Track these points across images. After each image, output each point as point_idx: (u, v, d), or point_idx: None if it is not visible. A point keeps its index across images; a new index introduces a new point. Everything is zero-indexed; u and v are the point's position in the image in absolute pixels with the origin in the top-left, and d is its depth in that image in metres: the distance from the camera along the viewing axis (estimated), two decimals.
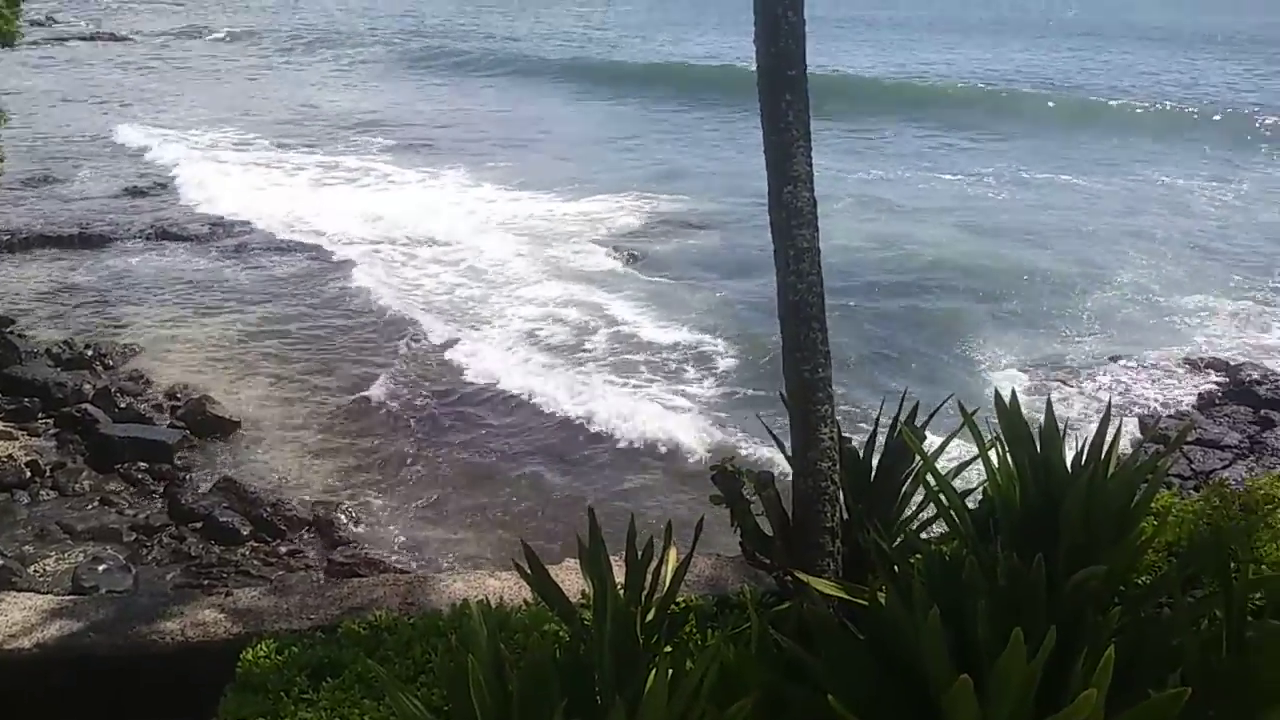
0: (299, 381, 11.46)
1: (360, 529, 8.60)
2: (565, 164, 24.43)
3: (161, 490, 9.08)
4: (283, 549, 8.28)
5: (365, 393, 11.13)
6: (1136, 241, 17.85)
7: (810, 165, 3.94)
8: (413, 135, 27.52)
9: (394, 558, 8.13)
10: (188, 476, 9.32)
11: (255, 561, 7.99)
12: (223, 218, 18.28)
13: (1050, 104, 33.06)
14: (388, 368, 11.85)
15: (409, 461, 9.69)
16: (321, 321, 13.40)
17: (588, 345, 12.81)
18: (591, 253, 16.99)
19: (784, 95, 3.85)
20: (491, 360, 12.14)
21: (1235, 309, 14.34)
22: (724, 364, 12.09)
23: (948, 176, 23.80)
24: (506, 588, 4.44)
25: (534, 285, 15.16)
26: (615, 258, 16.74)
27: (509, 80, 39.40)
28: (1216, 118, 30.78)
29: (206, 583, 7.26)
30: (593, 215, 19.43)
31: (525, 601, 4.16)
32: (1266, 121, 29.69)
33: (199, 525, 8.45)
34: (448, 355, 12.27)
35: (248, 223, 18.07)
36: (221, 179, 21.34)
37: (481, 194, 21.07)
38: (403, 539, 8.47)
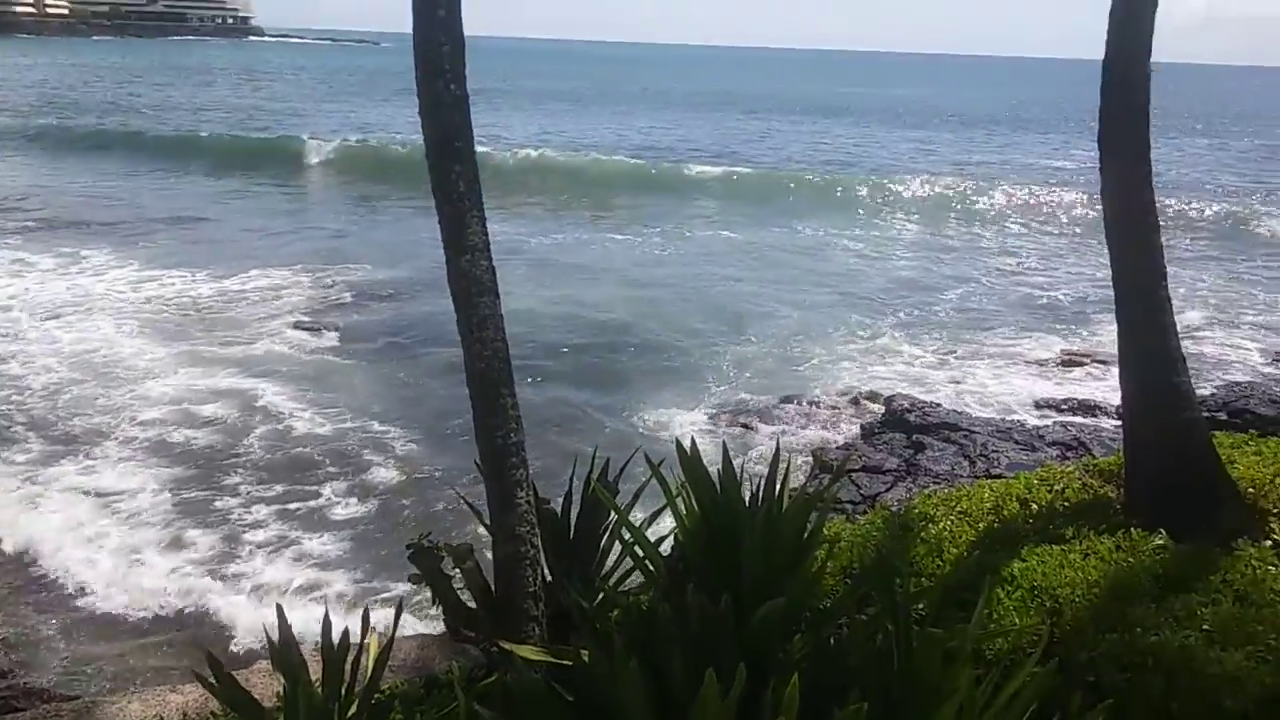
0: None
1: (16, 656, 7.56)
2: (228, 240, 23.09)
3: None
4: None
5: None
6: (792, 291, 19.50)
7: (485, 234, 3.99)
8: (52, 215, 25.00)
9: (60, 683, 7.21)
10: None
11: None
12: None
13: (706, 172, 35.49)
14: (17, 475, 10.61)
15: (62, 575, 8.66)
16: None
17: (239, 450, 11.35)
18: (254, 334, 15.85)
19: (453, 167, 3.88)
20: (112, 480, 10.54)
21: (882, 345, 15.96)
22: (410, 439, 11.69)
23: (618, 237, 25.00)
24: (191, 701, 4.07)
25: (179, 377, 13.61)
26: (282, 337, 15.72)
27: (164, 157, 36.80)
28: (853, 184, 34.31)
29: None
30: (257, 293, 18.30)
31: (213, 713, 3.83)
32: (894, 185, 33.48)
33: None
34: (70, 471, 10.72)
35: None
36: None
37: (126, 275, 19.15)
38: (69, 660, 7.54)
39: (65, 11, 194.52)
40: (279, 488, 10.51)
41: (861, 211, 29.61)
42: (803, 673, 2.60)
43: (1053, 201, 30.47)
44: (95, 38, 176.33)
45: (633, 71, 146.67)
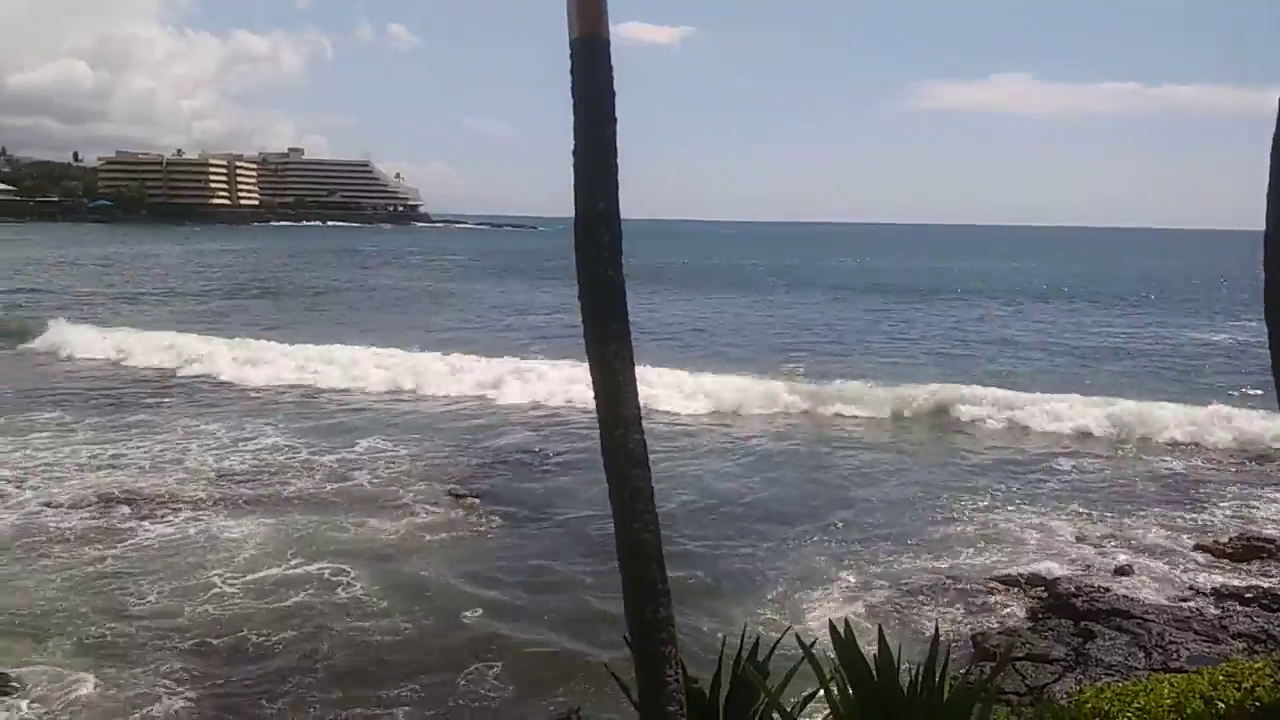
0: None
1: None
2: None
3: None
4: None
5: (172, 656, 10.31)
6: (936, 472, 18.99)
7: (639, 408, 4.10)
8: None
9: None
10: None
11: None
12: None
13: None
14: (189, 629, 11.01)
15: None
16: None
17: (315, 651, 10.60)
18: (383, 505, 15.91)
19: (610, 346, 4.05)
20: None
21: (1046, 525, 15.21)
22: (563, 609, 11.79)
23: (755, 411, 24.96)
24: None
25: (263, 560, 13.25)
26: (409, 508, 15.83)
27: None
28: None
29: None
30: (390, 459, 18.80)
31: None
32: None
33: None
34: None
35: None
36: None
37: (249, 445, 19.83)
38: None
39: (256, 203, 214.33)
40: (414, 682, 9.98)
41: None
42: None
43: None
44: (277, 224, 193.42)
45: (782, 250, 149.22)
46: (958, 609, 11.83)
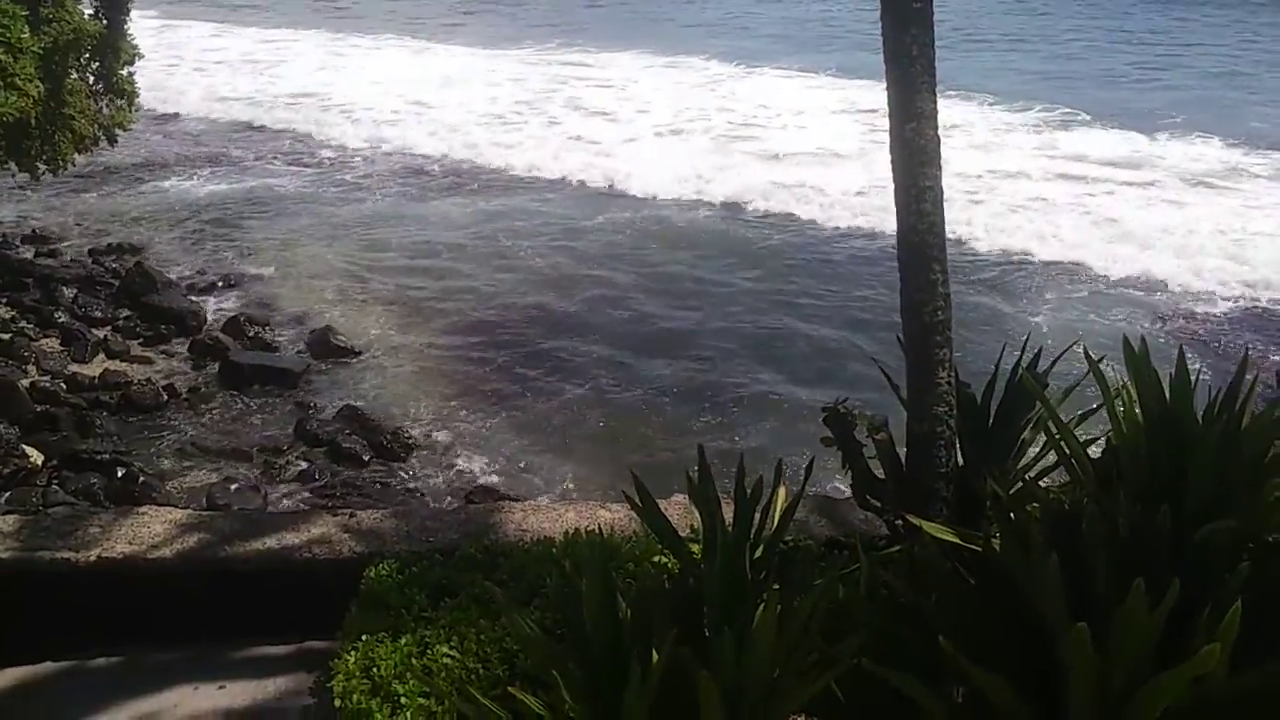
0: (418, 308, 11.80)
1: (477, 455, 8.89)
2: None
3: (287, 416, 9.50)
4: (402, 474, 8.61)
5: (482, 319, 11.47)
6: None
7: (935, 101, 3.84)
8: None
9: (508, 484, 8.39)
10: (312, 403, 9.72)
11: (376, 485, 8.33)
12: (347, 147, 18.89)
13: None
14: (499, 293, 12.13)
15: (524, 390, 9.94)
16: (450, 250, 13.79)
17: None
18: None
19: (909, 29, 3.75)
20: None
21: None
22: (837, 306, 11.90)
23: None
24: (617, 519, 4.53)
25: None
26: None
27: None
28: None
29: (331, 504, 7.60)
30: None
31: (635, 533, 4.23)
32: None
33: (323, 449, 8.84)
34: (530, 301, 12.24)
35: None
36: None
37: None
38: (516, 466, 8.74)
39: None
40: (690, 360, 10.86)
41: None
42: (1245, 603, 2.36)
43: None
44: None
45: None
46: (1262, 337, 10.92)
